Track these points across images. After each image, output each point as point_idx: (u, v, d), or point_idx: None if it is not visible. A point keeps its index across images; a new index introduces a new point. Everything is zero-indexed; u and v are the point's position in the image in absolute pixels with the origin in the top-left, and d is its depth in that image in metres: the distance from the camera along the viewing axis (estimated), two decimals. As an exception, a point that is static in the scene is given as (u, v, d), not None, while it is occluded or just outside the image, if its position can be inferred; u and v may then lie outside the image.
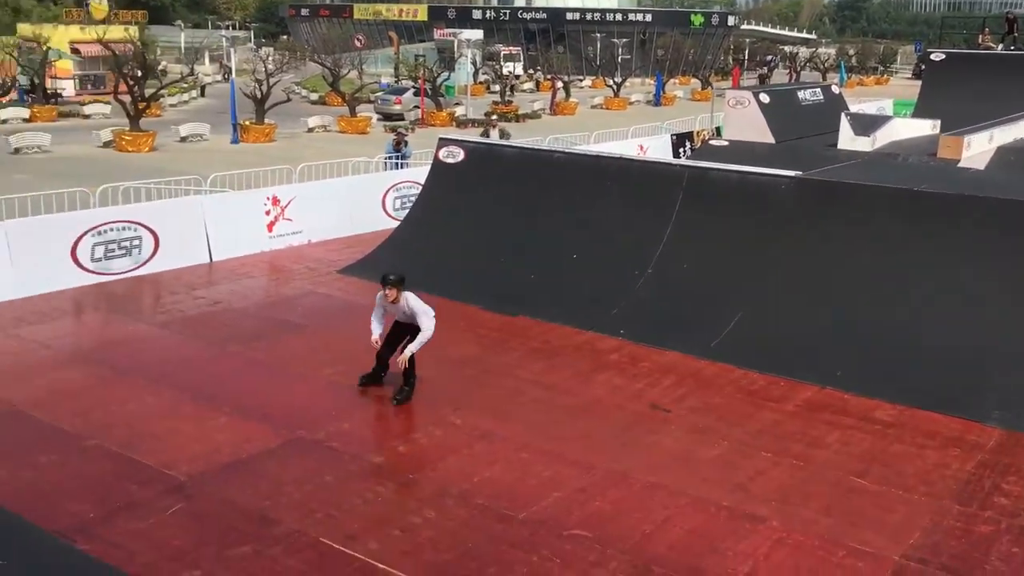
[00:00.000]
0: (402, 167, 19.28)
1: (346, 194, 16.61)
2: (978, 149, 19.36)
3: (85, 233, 12.95)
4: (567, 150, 15.05)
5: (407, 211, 15.71)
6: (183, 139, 31.82)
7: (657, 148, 23.80)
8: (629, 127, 27.02)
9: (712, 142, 22.66)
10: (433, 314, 9.04)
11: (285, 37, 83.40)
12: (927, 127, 22.76)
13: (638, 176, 13.50)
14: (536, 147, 15.54)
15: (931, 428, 8.78)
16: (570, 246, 12.97)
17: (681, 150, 24.82)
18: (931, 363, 9.79)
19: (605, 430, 8.70)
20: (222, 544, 6.54)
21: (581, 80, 67.45)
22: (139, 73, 33.00)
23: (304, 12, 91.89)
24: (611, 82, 55.43)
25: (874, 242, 11.09)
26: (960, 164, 17.86)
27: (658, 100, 55.29)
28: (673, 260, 12.14)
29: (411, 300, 9.06)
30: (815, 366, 10.08)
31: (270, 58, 38.35)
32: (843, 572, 6.42)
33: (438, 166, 15.16)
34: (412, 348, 8.97)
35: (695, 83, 66.73)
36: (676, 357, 10.60)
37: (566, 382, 9.91)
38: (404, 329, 9.17)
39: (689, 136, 25.96)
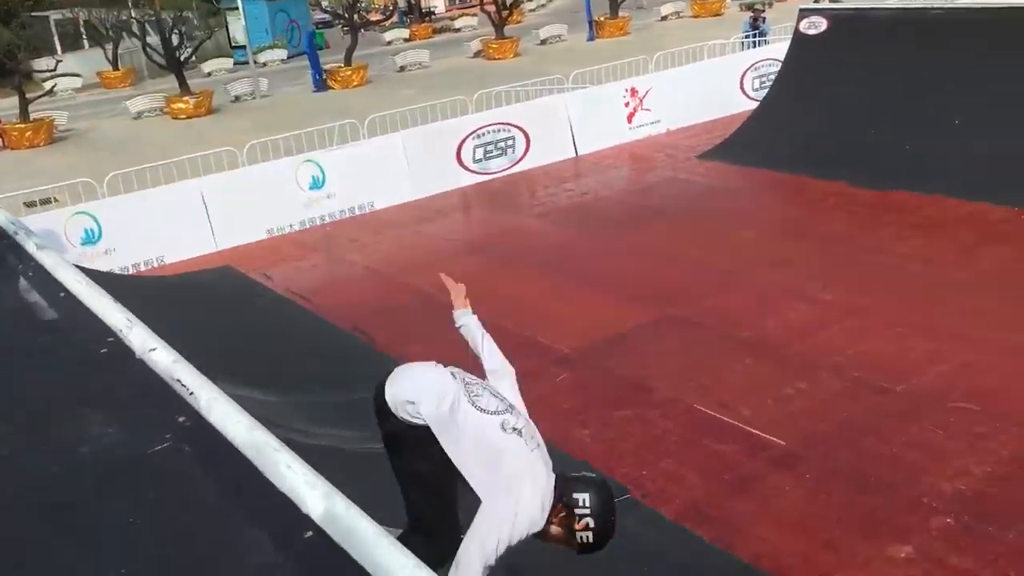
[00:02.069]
0: (760, 45, 18.67)
1: (702, 79, 16.47)
2: None
3: (467, 137, 14.17)
4: (945, 6, 13.68)
5: (767, 90, 15.30)
6: (543, 41, 33.04)
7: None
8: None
9: None
10: None
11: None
12: None
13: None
14: (908, 6, 14.29)
15: None
16: (953, 110, 11.94)
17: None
18: None
19: (994, 303, 8.13)
20: (605, 407, 7.15)
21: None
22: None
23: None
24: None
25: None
26: None
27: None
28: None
29: None
30: None
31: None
32: None
33: (799, 39, 14.55)
34: None
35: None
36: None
37: (948, 256, 9.35)
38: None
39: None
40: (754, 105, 15.22)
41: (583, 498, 3.27)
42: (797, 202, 11.90)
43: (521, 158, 14.68)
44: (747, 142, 13.85)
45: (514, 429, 3.43)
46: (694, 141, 14.96)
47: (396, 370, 3.63)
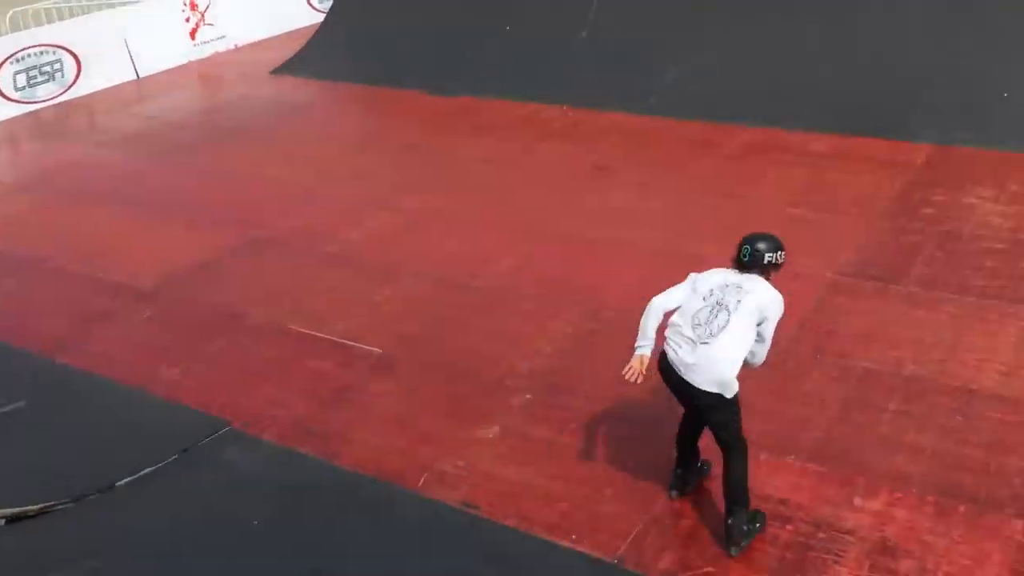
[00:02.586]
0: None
1: (266, -10, 15.94)
2: None
3: (3, 62, 12.49)
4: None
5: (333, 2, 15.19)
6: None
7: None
8: None
9: None
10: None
11: None
12: None
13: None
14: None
15: (865, 153, 9.08)
16: (502, 18, 12.72)
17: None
18: (863, 91, 9.94)
19: (553, 196, 8.93)
20: (196, 340, 6.86)
21: None
22: None
23: None
24: None
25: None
26: None
27: None
28: (607, 21, 11.98)
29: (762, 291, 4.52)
30: (753, 108, 10.23)
31: None
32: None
33: (358, -50, 14.54)
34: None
35: None
36: (617, 117, 10.71)
37: (512, 155, 10.05)
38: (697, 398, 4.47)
39: None
40: (322, 17, 15.06)
41: None
42: (374, 113, 12.07)
43: (73, 83, 13.28)
44: (320, 55, 13.74)
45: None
46: (265, 56, 14.51)
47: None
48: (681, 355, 4.40)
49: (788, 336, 6.28)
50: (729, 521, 4.56)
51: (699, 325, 4.40)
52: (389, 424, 5.81)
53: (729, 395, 4.36)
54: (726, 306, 4.41)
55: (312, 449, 5.62)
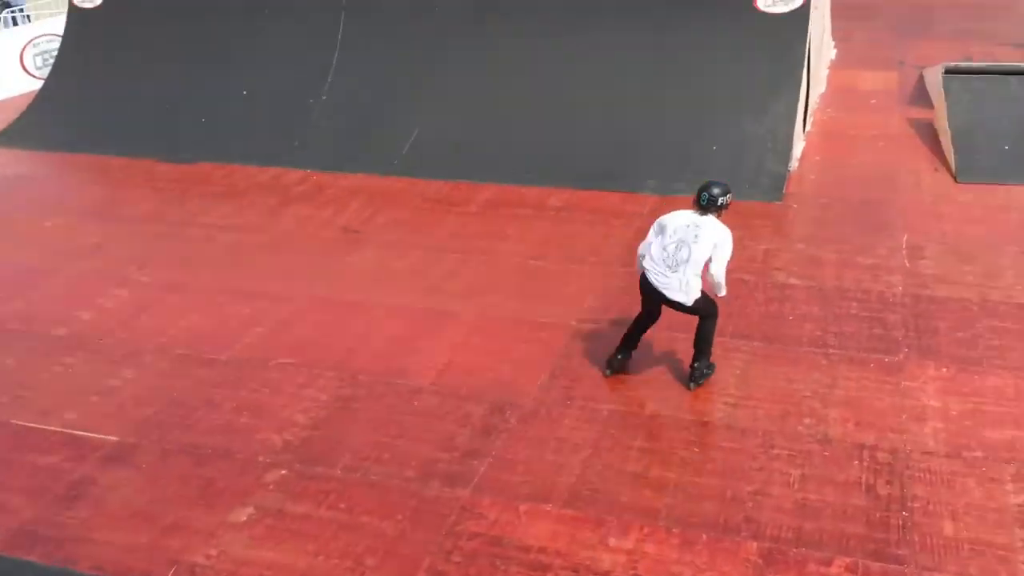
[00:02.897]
0: (18, 21, 17.26)
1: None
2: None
3: None
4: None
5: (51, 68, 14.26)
6: None
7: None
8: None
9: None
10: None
11: None
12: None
13: (297, 1, 13.00)
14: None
15: (598, 205, 9.62)
16: (239, 82, 12.45)
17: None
18: (593, 145, 10.57)
19: (300, 261, 8.77)
20: None
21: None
22: None
23: None
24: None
25: (536, 38, 11.52)
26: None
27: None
28: (346, 83, 12.03)
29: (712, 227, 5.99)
30: (493, 167, 10.58)
31: None
32: (528, 344, 7.07)
33: (76, 13, 13.79)
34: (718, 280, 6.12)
35: None
36: (362, 179, 10.73)
37: (255, 221, 9.79)
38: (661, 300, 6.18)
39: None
40: (40, 84, 14.09)
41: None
42: (104, 183, 11.36)
43: None
44: (39, 124, 12.83)
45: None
46: (-25, 127, 13.34)
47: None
48: (658, 277, 6.05)
49: (540, 385, 6.52)
50: (694, 364, 6.31)
51: (669, 256, 5.99)
52: (130, 518, 5.39)
53: (690, 302, 6.03)
54: (687, 242, 5.94)
55: (42, 556, 5.11)
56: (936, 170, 10.08)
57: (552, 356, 6.89)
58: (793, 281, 7.85)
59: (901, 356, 6.66)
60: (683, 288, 5.99)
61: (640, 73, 10.98)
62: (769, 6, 10.50)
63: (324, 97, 12.02)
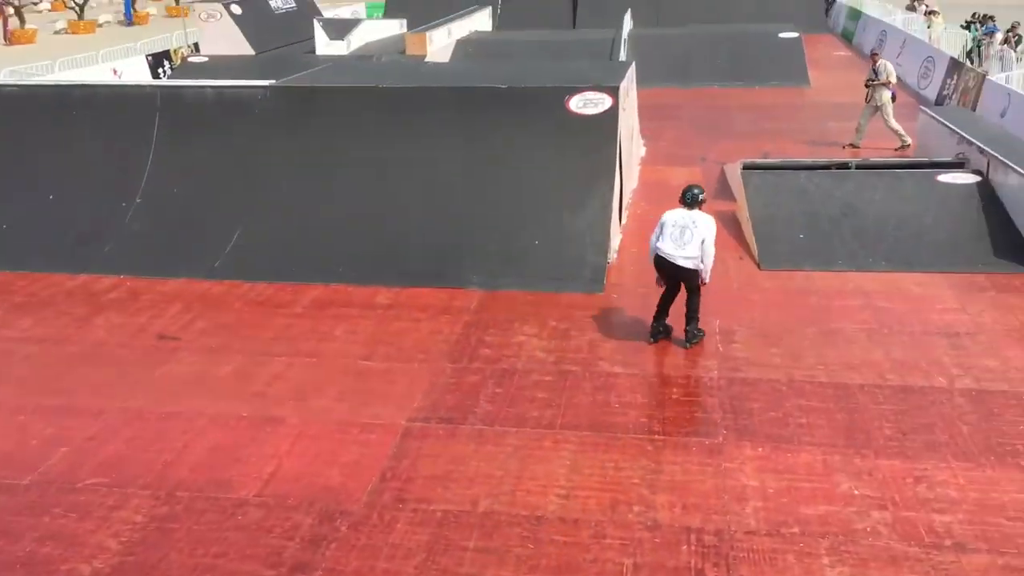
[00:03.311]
0: None
1: None
2: (441, 44, 21.01)
3: None
4: (21, 83, 13.55)
5: None
6: None
7: (133, 70, 22.37)
8: (99, 51, 24.94)
9: (191, 59, 21.88)
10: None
11: None
12: (396, 27, 24.12)
13: (107, 103, 12.61)
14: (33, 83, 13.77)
15: (425, 302, 9.64)
16: (46, 186, 11.86)
17: (160, 70, 23.61)
18: (419, 243, 10.65)
19: (111, 372, 8.30)
20: None
21: (37, 3, 60.23)
22: None
23: None
24: (73, 3, 50.30)
25: (357, 139, 11.61)
26: (427, 59, 19.26)
27: (130, 19, 51.44)
28: (162, 185, 11.67)
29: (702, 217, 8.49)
30: (319, 266, 10.46)
31: None
32: (358, 447, 6.91)
33: None
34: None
35: (169, -2, 63.00)
36: (180, 284, 10.35)
37: (60, 332, 9.21)
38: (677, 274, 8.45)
39: (167, 55, 24.72)
40: None
41: None
42: None
43: None
44: None
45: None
46: None
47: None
48: (673, 253, 8.25)
49: (371, 489, 6.37)
50: (687, 328, 8.47)
51: (677, 239, 8.25)
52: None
53: (694, 266, 8.25)
54: (688, 227, 8.26)
55: None
56: (741, 258, 10.72)
57: (382, 458, 6.75)
58: (617, 370, 8.08)
59: (720, 438, 6.93)
60: (690, 259, 8.21)
61: (463, 172, 11.23)
62: (581, 108, 11.03)
63: (138, 199, 11.60)
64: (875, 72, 15.56)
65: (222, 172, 11.69)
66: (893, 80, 15.49)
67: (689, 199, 8.42)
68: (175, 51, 25.10)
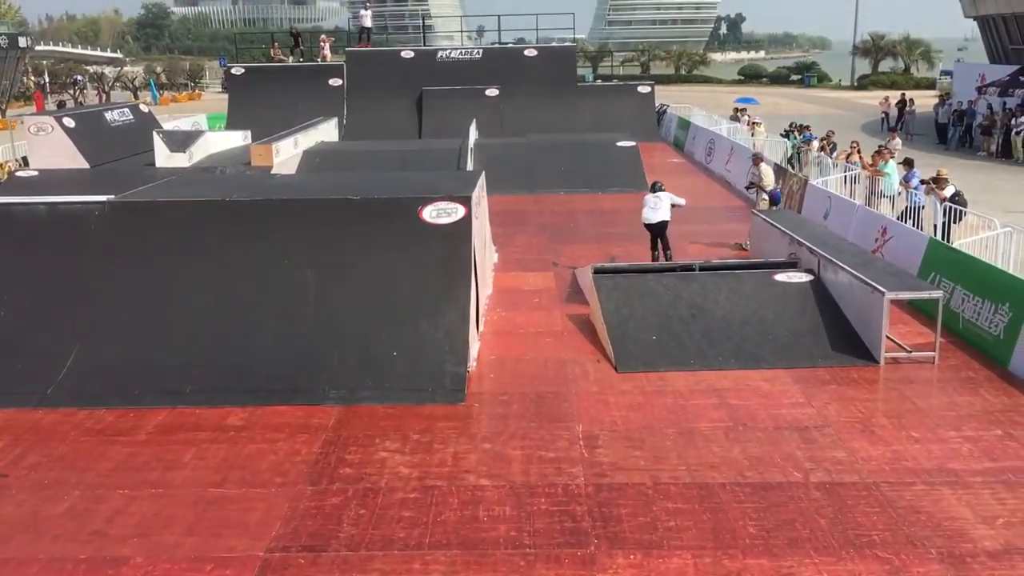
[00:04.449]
0: None
1: None
2: (287, 154, 20.85)
3: None
4: None
5: None
6: None
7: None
8: (-86, 165, 23.46)
9: (20, 174, 20.84)
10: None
11: None
12: (239, 138, 23.81)
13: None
14: None
15: (280, 421, 9.24)
16: None
17: (-16, 185, 22.31)
18: (271, 360, 10.27)
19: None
20: None
21: None
22: None
23: None
24: None
25: (197, 255, 11.19)
26: (273, 170, 19.03)
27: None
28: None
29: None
30: (163, 389, 9.91)
31: None
32: (213, 586, 6.44)
33: None
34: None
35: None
36: (8, 414, 9.56)
37: None
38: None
39: (-9, 170, 23.47)
40: None
41: None
42: None
43: None
44: None
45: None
46: None
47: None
48: (651, 218, 14.55)
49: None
50: (666, 252, 14.59)
51: (652, 209, 14.50)
52: None
53: (666, 217, 14.53)
54: (658, 201, 14.49)
55: None
56: (598, 361, 10.86)
57: (240, 595, 6.30)
58: (484, 482, 7.92)
59: (592, 548, 6.84)
60: (663, 216, 14.36)
61: (316, 283, 10.99)
62: (434, 218, 11.06)
63: (-38, 326, 10.75)
64: (758, 176, 16.85)
65: (56, 292, 11.01)
66: (768, 184, 16.70)
67: (658, 188, 14.68)
68: (1, 165, 23.88)
